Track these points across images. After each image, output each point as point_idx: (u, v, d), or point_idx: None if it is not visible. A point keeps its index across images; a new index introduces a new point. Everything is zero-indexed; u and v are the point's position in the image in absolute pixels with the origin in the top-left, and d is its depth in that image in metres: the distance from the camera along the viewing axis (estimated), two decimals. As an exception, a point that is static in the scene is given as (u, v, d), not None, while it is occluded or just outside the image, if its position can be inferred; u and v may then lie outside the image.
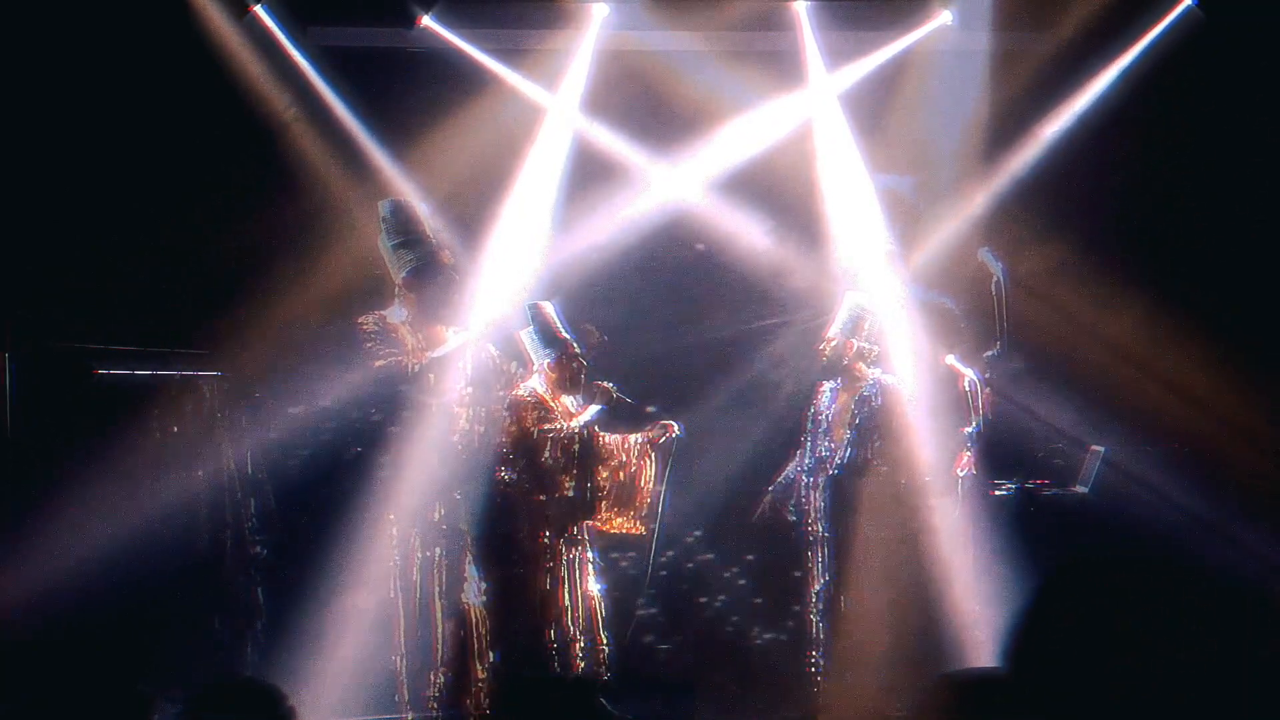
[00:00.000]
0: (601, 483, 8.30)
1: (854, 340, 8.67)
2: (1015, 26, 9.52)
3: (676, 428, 8.34)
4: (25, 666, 7.45)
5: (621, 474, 8.32)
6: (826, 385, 8.77)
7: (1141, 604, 1.83)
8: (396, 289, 8.31)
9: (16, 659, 7.55)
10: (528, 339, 8.35)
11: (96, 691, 3.89)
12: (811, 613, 8.57)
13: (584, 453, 8.26)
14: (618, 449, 8.33)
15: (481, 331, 8.33)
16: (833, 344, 8.69)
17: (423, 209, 8.55)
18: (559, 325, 8.35)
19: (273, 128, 9.18)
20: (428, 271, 8.27)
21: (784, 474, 8.81)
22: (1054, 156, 9.54)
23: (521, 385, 8.32)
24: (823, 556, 8.56)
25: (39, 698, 3.90)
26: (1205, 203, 9.46)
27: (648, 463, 8.32)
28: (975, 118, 9.62)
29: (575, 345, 8.32)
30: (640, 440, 8.34)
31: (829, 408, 8.69)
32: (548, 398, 8.27)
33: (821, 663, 8.52)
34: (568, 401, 8.34)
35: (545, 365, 8.29)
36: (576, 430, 8.21)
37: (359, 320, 8.19)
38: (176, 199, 9.03)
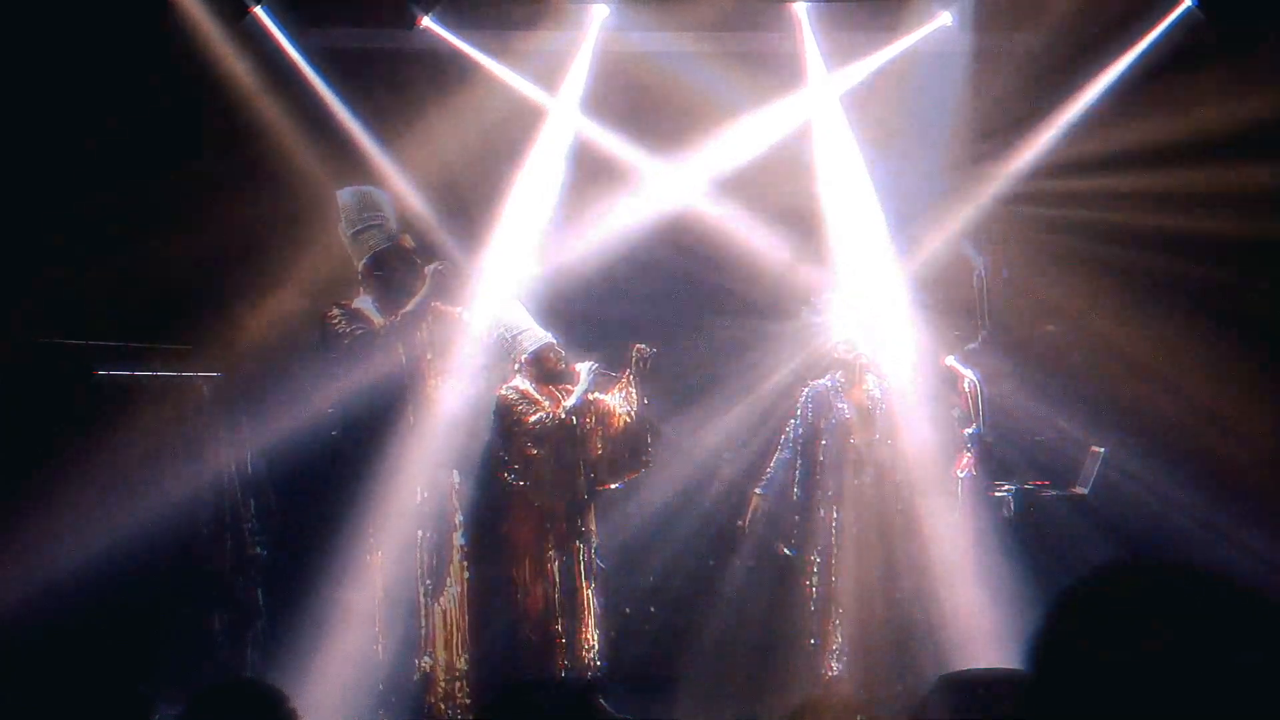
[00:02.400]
0: (599, 456, 8.34)
1: (862, 341, 8.69)
2: (1014, 27, 9.53)
3: (645, 347, 8.38)
4: (25, 666, 7.46)
5: (618, 426, 8.37)
6: (823, 386, 8.73)
7: (1171, 612, 1.82)
8: (360, 275, 8.33)
9: (16, 659, 7.57)
10: (500, 340, 8.39)
11: (96, 692, 3.89)
12: (832, 614, 8.55)
13: (571, 437, 8.30)
14: (610, 403, 8.38)
15: (435, 290, 8.30)
16: (841, 344, 8.69)
17: (383, 197, 8.55)
18: (530, 320, 8.41)
19: (262, 124, 9.18)
20: (388, 256, 8.28)
21: (768, 475, 8.77)
22: (1052, 156, 9.54)
23: (504, 386, 8.36)
24: (834, 556, 8.55)
25: (39, 698, 3.91)
26: (1203, 202, 9.44)
27: (635, 396, 8.37)
28: (972, 116, 9.63)
29: (549, 336, 8.38)
30: (623, 379, 8.38)
31: (844, 407, 8.64)
32: (532, 391, 8.32)
33: (830, 660, 8.51)
34: (557, 391, 8.40)
35: (524, 360, 8.34)
36: (563, 416, 8.26)
37: (327, 314, 8.21)
38: (170, 198, 9.02)
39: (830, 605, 8.55)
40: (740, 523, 8.79)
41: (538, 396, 8.31)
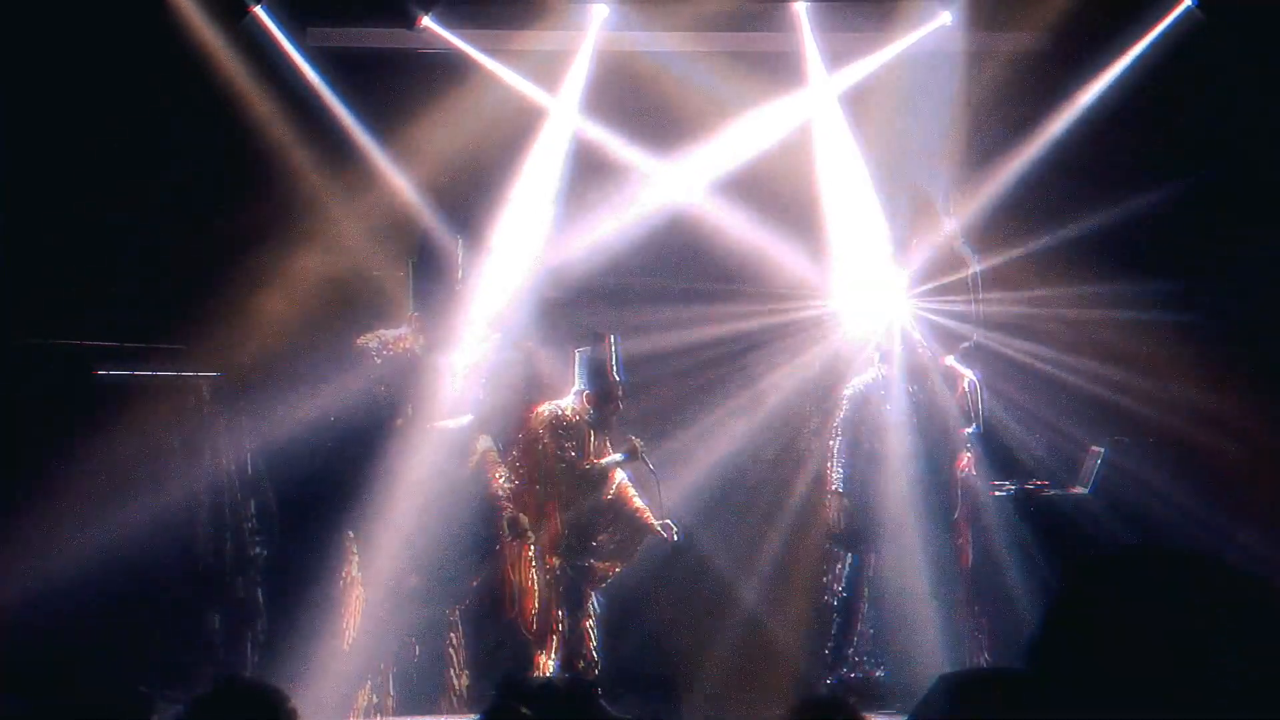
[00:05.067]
0: (600, 541, 8.33)
1: (898, 339, 8.72)
2: (1014, 27, 9.53)
3: (676, 533, 8.35)
4: (26, 667, 7.46)
5: (617, 537, 8.36)
6: (866, 385, 8.68)
7: (1173, 599, 1.82)
8: (409, 316, 8.63)
9: (17, 658, 7.57)
10: (581, 361, 8.34)
11: (97, 691, 3.89)
12: (861, 611, 8.55)
13: (591, 488, 8.27)
14: (622, 506, 8.35)
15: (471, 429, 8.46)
16: (883, 343, 8.72)
17: (456, 247, 8.77)
18: (615, 364, 8.35)
19: (261, 123, 9.18)
20: (439, 311, 8.56)
21: (841, 474, 8.69)
22: (1051, 155, 9.54)
23: (549, 403, 8.30)
24: (874, 554, 8.55)
25: (40, 698, 3.91)
26: (1202, 201, 9.44)
27: (638, 540, 8.36)
28: (971, 116, 9.63)
29: (621, 389, 8.32)
30: (645, 520, 8.34)
31: (889, 405, 8.61)
32: (571, 417, 8.25)
33: (855, 658, 8.53)
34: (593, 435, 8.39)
35: (586, 395, 8.28)
36: (595, 469, 8.23)
37: (359, 340, 8.33)
38: (169, 197, 9.02)
39: (860, 603, 8.54)
40: (831, 524, 8.68)
41: (573, 423, 8.26)
